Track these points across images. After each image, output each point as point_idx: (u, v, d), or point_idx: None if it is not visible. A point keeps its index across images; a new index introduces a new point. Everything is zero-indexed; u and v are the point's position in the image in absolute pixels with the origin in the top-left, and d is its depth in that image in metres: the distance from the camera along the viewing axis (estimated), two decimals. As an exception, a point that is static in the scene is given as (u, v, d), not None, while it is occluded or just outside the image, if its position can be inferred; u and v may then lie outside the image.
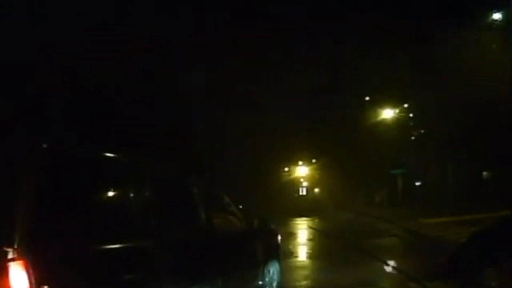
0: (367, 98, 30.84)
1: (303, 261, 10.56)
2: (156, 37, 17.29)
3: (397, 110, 27.17)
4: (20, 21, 11.95)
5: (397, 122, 27.33)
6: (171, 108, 17.24)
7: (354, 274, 7.97)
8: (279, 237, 6.96)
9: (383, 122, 28.13)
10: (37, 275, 2.70)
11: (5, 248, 2.67)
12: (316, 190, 48.33)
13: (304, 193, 48.42)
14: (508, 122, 18.20)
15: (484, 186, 24.76)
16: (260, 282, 5.73)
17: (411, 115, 27.09)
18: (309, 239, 15.67)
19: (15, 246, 2.67)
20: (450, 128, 22.33)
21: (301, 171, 45.21)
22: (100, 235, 3.29)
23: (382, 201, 31.65)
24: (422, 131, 26.90)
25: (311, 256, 11.64)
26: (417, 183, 28.78)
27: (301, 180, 47.72)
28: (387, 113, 27.60)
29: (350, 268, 8.70)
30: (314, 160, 42.54)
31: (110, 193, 3.69)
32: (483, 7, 19.22)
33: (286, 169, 43.48)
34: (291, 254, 11.16)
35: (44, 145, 3.04)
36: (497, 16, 19.19)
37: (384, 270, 9.01)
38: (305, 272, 8.89)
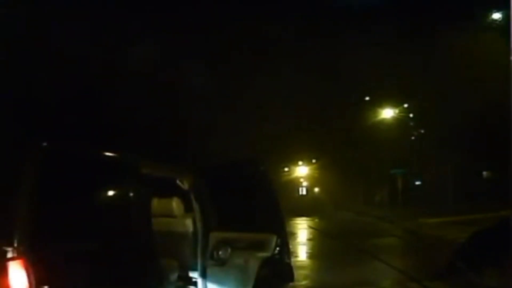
0: (367, 98, 30.81)
1: (303, 261, 10.54)
2: (155, 34, 17.29)
3: (397, 110, 27.17)
4: (18, 20, 11.94)
5: (397, 122, 27.34)
6: (169, 107, 17.23)
7: (354, 274, 7.96)
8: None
9: (383, 122, 28.12)
10: (36, 274, 2.69)
11: (4, 247, 2.66)
12: (316, 190, 48.35)
13: (304, 193, 48.49)
14: (508, 121, 18.16)
15: (484, 186, 24.73)
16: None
17: (411, 115, 27.09)
18: (309, 239, 15.66)
19: (15, 245, 2.67)
20: (450, 128, 22.33)
21: (301, 171, 45.20)
22: (100, 235, 3.28)
23: (382, 201, 31.64)
24: (422, 131, 26.91)
25: (311, 256, 11.64)
26: (417, 183, 28.78)
27: (301, 180, 47.73)
28: (387, 113, 27.59)
29: (350, 268, 8.68)
30: (314, 160, 42.51)
31: (111, 193, 3.68)
32: (483, 7, 19.20)
33: (286, 169, 43.45)
34: (291, 253, 11.12)
35: (44, 144, 3.03)
36: (497, 16, 19.16)
37: (384, 270, 9.00)
38: (305, 272, 8.86)
